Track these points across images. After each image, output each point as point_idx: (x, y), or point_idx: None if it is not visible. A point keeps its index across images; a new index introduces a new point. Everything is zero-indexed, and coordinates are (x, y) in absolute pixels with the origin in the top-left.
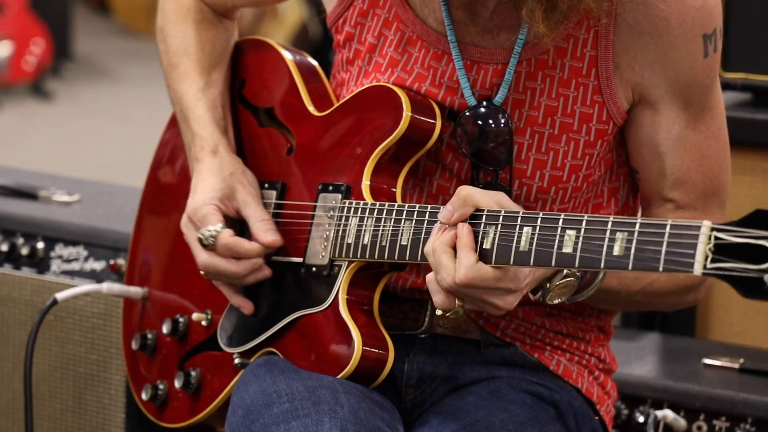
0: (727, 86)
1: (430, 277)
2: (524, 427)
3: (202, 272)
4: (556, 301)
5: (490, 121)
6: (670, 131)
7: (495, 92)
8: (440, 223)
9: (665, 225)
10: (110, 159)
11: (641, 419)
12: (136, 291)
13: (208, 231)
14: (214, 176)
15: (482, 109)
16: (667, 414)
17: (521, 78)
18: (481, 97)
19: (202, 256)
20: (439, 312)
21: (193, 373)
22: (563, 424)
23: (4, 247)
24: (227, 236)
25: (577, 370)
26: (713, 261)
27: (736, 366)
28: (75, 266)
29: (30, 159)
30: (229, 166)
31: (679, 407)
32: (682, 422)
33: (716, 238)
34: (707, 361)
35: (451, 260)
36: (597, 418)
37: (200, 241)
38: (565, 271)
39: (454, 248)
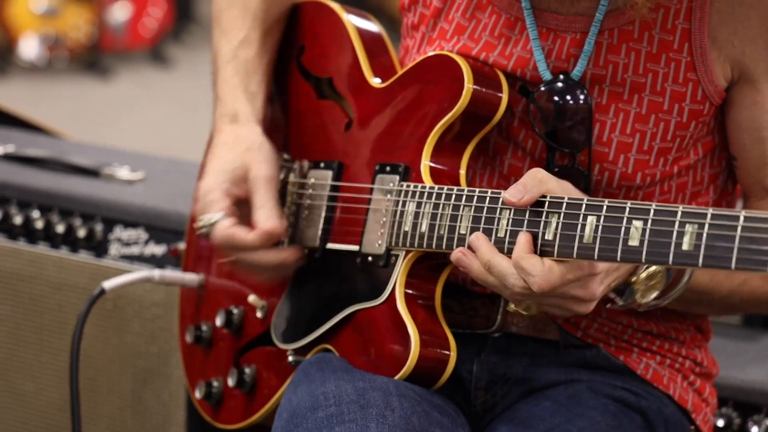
0: None
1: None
2: None
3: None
4: (649, 298)
5: (567, 98)
6: None
7: (573, 65)
8: (505, 202)
9: (738, 216)
10: None
11: (755, 430)
12: (191, 278)
13: (205, 219)
14: (228, 152)
15: (558, 84)
16: None
17: (602, 50)
18: (556, 69)
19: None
20: (511, 307)
21: (247, 371)
22: None
23: (61, 229)
24: (224, 227)
25: (668, 374)
26: None
27: None
28: (134, 250)
29: (144, 131)
30: (247, 139)
31: None
32: None
33: None
34: None
35: (511, 267)
36: (693, 428)
37: (198, 230)
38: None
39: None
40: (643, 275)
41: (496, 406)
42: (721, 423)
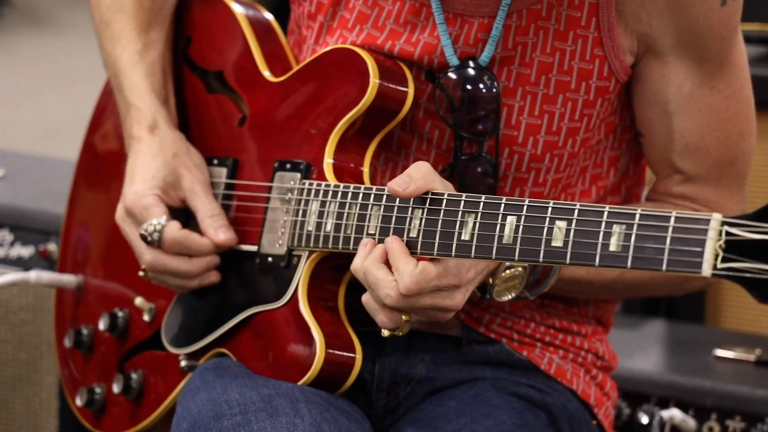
0: None
1: (366, 298)
2: None
3: (144, 273)
4: (505, 298)
5: (475, 85)
6: (681, 87)
7: (480, 50)
8: (391, 192)
9: (669, 217)
10: (50, 119)
11: (645, 420)
12: (69, 280)
13: (152, 225)
14: (155, 159)
15: (466, 70)
16: (674, 414)
17: (511, 32)
18: (464, 55)
19: (146, 255)
20: (385, 333)
21: (134, 376)
22: (557, 431)
23: None
24: (175, 230)
25: (572, 369)
26: (724, 260)
27: (752, 358)
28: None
29: None
30: (172, 145)
31: (687, 406)
32: (691, 423)
33: (728, 233)
34: (719, 352)
35: (388, 274)
36: (595, 422)
37: (143, 237)
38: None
39: (386, 263)
40: (500, 279)
41: (398, 407)
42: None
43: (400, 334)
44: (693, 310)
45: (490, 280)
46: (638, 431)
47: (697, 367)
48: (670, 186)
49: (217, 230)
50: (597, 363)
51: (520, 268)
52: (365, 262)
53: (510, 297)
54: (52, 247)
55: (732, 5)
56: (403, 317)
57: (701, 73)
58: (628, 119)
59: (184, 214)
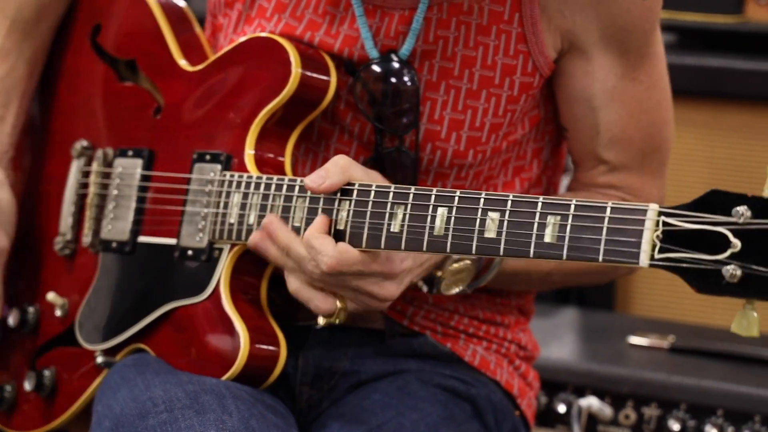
0: None
1: (295, 286)
2: (438, 428)
3: None
4: (453, 291)
5: (395, 78)
6: (605, 82)
7: (401, 43)
8: (306, 187)
9: (605, 208)
10: None
11: (562, 408)
12: None
13: None
14: None
15: (385, 63)
16: (591, 402)
17: (432, 25)
18: (384, 48)
19: None
20: (321, 321)
21: (46, 373)
22: (481, 422)
23: None
24: None
25: (495, 360)
26: (661, 250)
27: (666, 345)
28: None
29: None
30: None
31: (603, 393)
32: (607, 411)
33: (665, 223)
34: (633, 339)
35: (309, 252)
36: (518, 413)
37: None
38: (455, 255)
39: None
40: (449, 271)
41: (322, 401)
42: None
43: (337, 321)
44: (604, 297)
45: (438, 273)
46: (556, 420)
47: (612, 355)
48: (595, 177)
49: None
50: (520, 353)
51: (468, 261)
52: (281, 241)
53: (457, 290)
54: None
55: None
56: (338, 303)
57: (624, 65)
58: (552, 111)
59: None
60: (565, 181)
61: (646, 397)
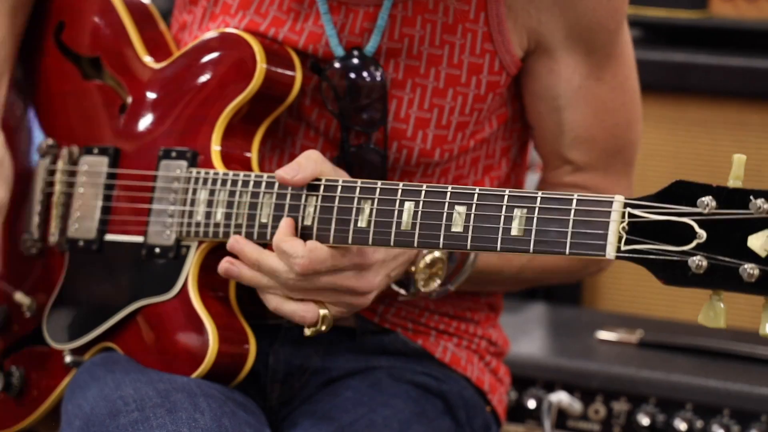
0: None
1: (275, 302)
2: (410, 425)
3: None
4: (431, 288)
5: (361, 75)
6: (570, 82)
7: (366, 40)
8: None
9: (571, 200)
10: None
11: (532, 404)
12: None
13: None
14: None
15: (351, 60)
16: (561, 397)
17: (397, 23)
18: (349, 45)
19: None
20: (308, 331)
21: (15, 373)
22: (453, 418)
23: None
24: None
25: (466, 356)
26: (628, 242)
27: (634, 340)
28: None
29: None
30: None
31: (573, 388)
32: (577, 406)
33: (630, 215)
34: (602, 334)
35: (279, 261)
36: (489, 408)
37: None
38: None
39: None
40: (423, 264)
41: (293, 398)
42: None
43: (323, 329)
44: (571, 292)
45: (412, 268)
46: (526, 415)
47: (580, 350)
48: (560, 176)
49: None
50: (490, 349)
51: (440, 254)
52: (250, 257)
53: (435, 286)
54: None
55: None
56: (321, 311)
57: (589, 65)
58: (519, 110)
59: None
60: (530, 177)
61: (615, 391)
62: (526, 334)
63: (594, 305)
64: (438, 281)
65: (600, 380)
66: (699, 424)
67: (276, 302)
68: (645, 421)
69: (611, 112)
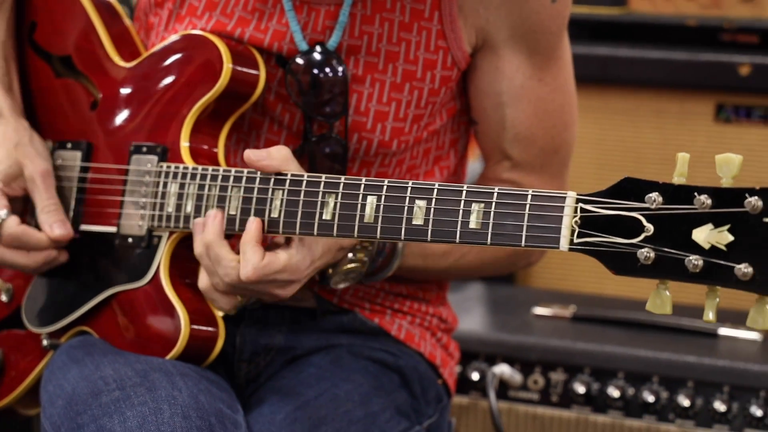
0: None
1: (204, 285)
2: (370, 398)
3: None
4: (340, 286)
5: (324, 68)
6: (513, 80)
7: (328, 36)
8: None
9: (526, 195)
10: None
11: (476, 376)
12: None
13: None
14: None
15: (315, 55)
16: (503, 369)
17: (357, 21)
18: (313, 41)
19: None
20: (220, 314)
21: None
22: (409, 391)
23: None
24: (13, 225)
25: (419, 333)
26: (580, 235)
27: (568, 314)
28: None
29: None
30: (15, 135)
31: (513, 361)
32: (518, 377)
33: (582, 210)
34: (538, 310)
35: (230, 253)
36: (440, 381)
37: None
38: (350, 255)
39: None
40: (342, 270)
41: (259, 375)
42: None
43: (233, 312)
44: None
45: (329, 270)
46: (470, 387)
47: (519, 325)
48: (499, 172)
49: (52, 225)
50: (441, 326)
51: (358, 264)
52: (207, 237)
53: (344, 285)
54: None
55: (561, 2)
56: (238, 298)
57: (531, 65)
58: (466, 104)
59: (31, 204)
60: (470, 167)
61: (552, 363)
62: (468, 312)
63: (527, 284)
64: (348, 284)
65: (538, 353)
66: (631, 391)
67: (205, 285)
68: (581, 389)
69: (551, 112)
